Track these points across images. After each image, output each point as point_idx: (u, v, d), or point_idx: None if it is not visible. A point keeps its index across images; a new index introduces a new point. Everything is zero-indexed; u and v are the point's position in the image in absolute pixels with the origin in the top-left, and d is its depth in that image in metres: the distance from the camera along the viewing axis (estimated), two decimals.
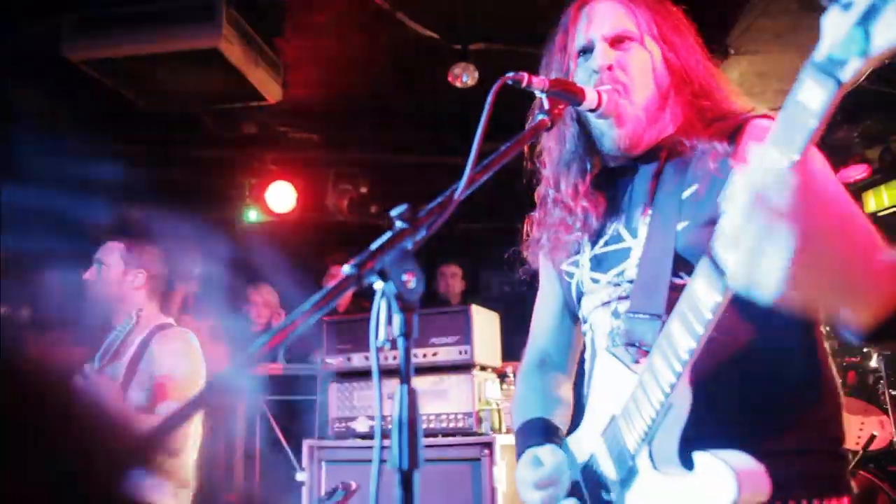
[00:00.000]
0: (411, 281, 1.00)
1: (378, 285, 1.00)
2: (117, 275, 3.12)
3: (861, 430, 4.88)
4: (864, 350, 4.97)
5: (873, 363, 4.91)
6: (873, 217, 6.70)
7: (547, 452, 1.60)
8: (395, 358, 1.00)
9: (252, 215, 7.03)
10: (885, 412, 4.83)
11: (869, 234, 1.16)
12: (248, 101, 5.17)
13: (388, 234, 1.02)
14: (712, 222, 1.41)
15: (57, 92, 5.12)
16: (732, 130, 1.52)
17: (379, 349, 1.00)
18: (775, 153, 0.96)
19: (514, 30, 4.72)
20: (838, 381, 1.53)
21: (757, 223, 0.95)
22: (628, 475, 1.41)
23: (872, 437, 4.78)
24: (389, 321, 1.00)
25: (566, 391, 1.86)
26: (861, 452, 4.71)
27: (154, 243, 3.21)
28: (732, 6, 4.50)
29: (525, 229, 1.86)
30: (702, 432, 1.31)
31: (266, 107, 5.32)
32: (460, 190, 1.13)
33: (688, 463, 1.29)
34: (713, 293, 1.12)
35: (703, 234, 1.43)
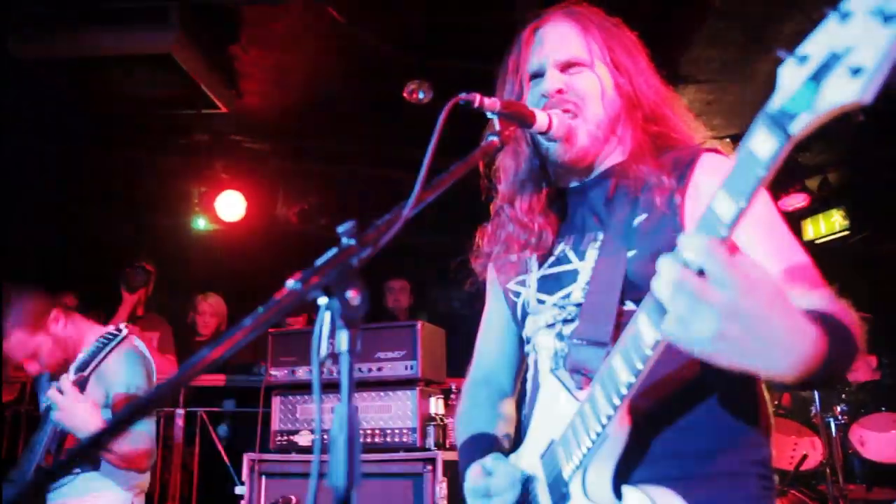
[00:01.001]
0: (355, 298, 1.00)
1: (322, 301, 1.00)
2: (32, 338, 2.97)
3: (794, 450, 5.03)
4: None
5: None
6: (811, 244, 6.94)
7: (497, 463, 1.59)
8: (339, 372, 0.99)
9: (201, 223, 6.91)
10: (817, 434, 4.98)
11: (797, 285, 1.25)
12: (201, 109, 5.11)
13: (333, 251, 1.02)
14: (660, 254, 1.45)
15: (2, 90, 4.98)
16: (684, 164, 1.53)
17: (321, 364, 1.00)
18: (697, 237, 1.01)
19: (471, 47, 4.77)
20: (769, 405, 1.55)
21: (684, 298, 1.01)
22: (560, 500, 1.42)
23: (804, 458, 4.93)
24: (332, 336, 1.00)
25: (510, 408, 1.86)
26: (794, 472, 4.85)
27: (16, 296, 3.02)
28: (681, 35, 4.62)
29: (476, 240, 1.86)
30: (635, 457, 1.33)
31: (218, 115, 5.26)
32: (408, 208, 1.13)
33: (619, 493, 1.31)
34: (654, 331, 1.13)
35: (651, 265, 1.45)
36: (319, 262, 1.00)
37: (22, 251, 6.15)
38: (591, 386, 1.34)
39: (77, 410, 2.66)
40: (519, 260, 1.72)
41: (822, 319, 1.14)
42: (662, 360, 1.18)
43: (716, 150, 1.58)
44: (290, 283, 0.97)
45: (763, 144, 0.93)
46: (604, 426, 1.28)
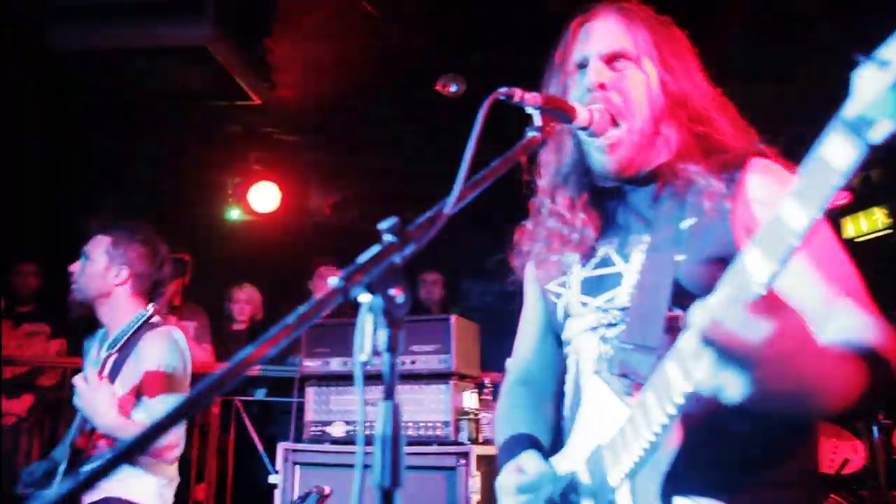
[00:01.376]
0: (398, 296, 0.99)
1: (364, 298, 0.99)
2: (100, 269, 3.08)
3: (834, 454, 4.94)
4: None
5: None
6: (850, 242, 6.79)
7: (531, 460, 1.57)
8: (381, 365, 0.99)
9: (234, 214, 6.99)
10: (858, 437, 4.89)
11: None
12: (234, 101, 5.14)
13: (376, 248, 1.01)
14: (709, 260, 1.43)
15: (38, 84, 5.06)
16: (733, 168, 1.50)
17: (363, 364, 0.99)
18: (761, 259, 1.00)
19: (504, 41, 4.74)
20: (819, 442, 1.54)
21: (715, 350, 1.02)
22: None
23: (846, 462, 4.84)
24: (374, 335, 0.99)
25: (550, 410, 1.83)
26: (835, 476, 4.77)
27: (142, 241, 3.16)
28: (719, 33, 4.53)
29: (515, 239, 1.83)
30: (683, 466, 1.30)
31: (252, 106, 5.29)
32: (450, 205, 1.12)
33: (667, 502, 1.29)
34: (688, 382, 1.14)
35: (701, 269, 1.43)
36: (362, 259, 0.99)
37: (59, 241, 6.26)
38: (642, 392, 1.31)
39: (96, 400, 2.70)
40: (560, 260, 1.69)
41: (862, 356, 1.18)
42: None
43: (765, 155, 1.54)
44: (333, 280, 0.97)
45: (839, 152, 0.89)
46: (657, 435, 1.25)
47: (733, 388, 1.03)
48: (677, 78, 1.59)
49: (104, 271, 3.08)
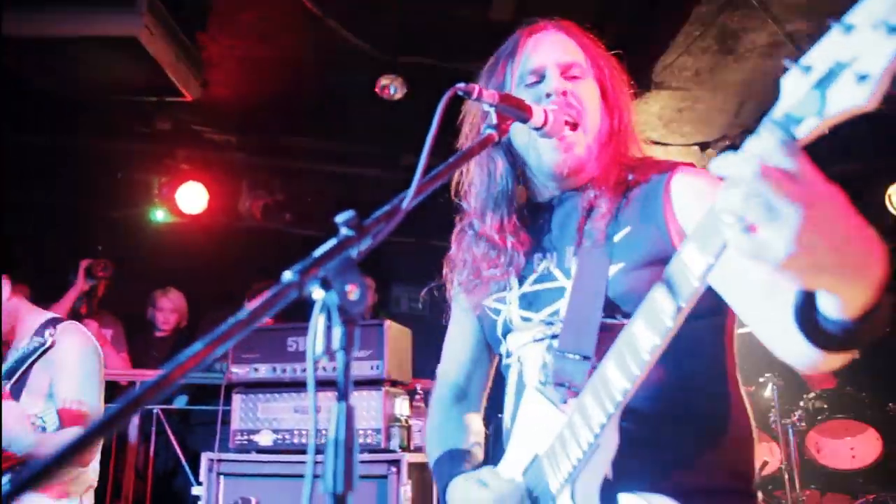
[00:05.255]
0: (354, 292, 0.95)
1: (318, 294, 0.94)
2: None
3: None
4: (760, 380, 5.21)
5: (767, 392, 5.16)
6: None
7: (489, 475, 1.57)
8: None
9: (160, 215, 6.73)
10: (776, 440, 5.07)
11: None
12: (165, 96, 4.98)
13: (332, 241, 0.97)
14: (646, 264, 1.47)
15: None
16: (662, 177, 1.56)
17: (315, 362, 0.94)
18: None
19: (445, 44, 4.73)
20: (752, 422, 1.57)
21: (762, 195, 0.90)
22: None
23: (765, 464, 5.01)
24: (327, 332, 0.94)
25: (479, 424, 1.88)
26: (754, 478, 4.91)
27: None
28: (657, 42, 4.65)
29: (444, 269, 1.85)
30: (620, 473, 1.34)
31: (183, 103, 5.13)
32: (408, 200, 1.09)
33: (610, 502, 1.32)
34: (653, 335, 1.16)
35: (638, 276, 1.48)
36: (317, 252, 0.94)
37: None
38: (579, 397, 1.35)
39: (7, 424, 2.57)
40: (492, 277, 1.71)
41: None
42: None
43: (690, 164, 1.62)
44: (288, 273, 0.91)
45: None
46: (596, 435, 1.29)
47: (778, 242, 0.90)
48: (616, 97, 1.69)
49: None
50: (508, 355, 1.72)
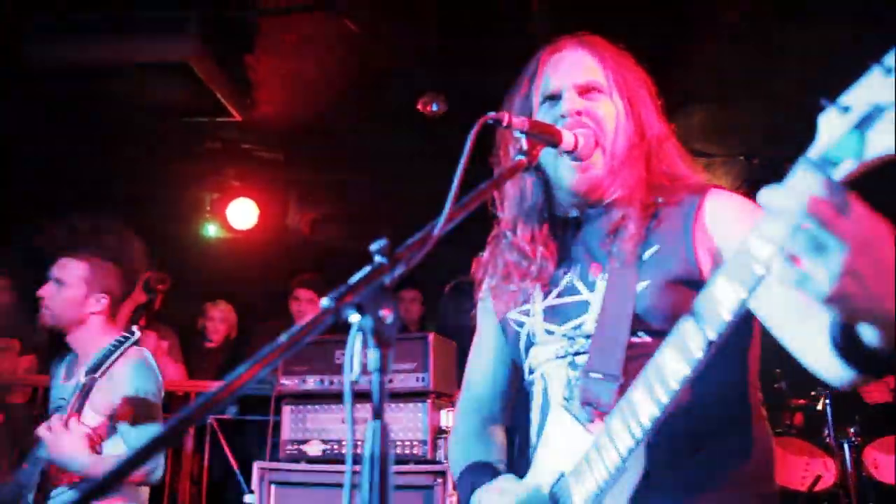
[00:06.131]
0: (388, 316, 1.01)
1: (354, 319, 1.00)
2: (78, 298, 2.96)
3: (806, 470, 4.98)
4: (812, 393, 5.10)
5: (820, 406, 5.04)
6: None
7: (511, 483, 1.60)
8: (356, 383, 1.00)
9: (212, 230, 6.93)
10: (830, 454, 4.94)
11: None
12: (215, 117, 5.13)
13: (366, 269, 1.02)
14: (674, 283, 1.48)
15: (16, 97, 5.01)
16: (693, 198, 1.56)
17: (353, 383, 1.00)
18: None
19: (484, 60, 4.78)
20: (772, 443, 1.58)
21: (809, 231, 0.91)
22: None
23: (818, 478, 4.88)
24: (363, 354, 1.00)
25: (502, 437, 1.88)
26: (807, 492, 4.81)
27: (117, 262, 3.05)
28: (699, 52, 4.62)
29: (472, 270, 1.87)
30: (647, 492, 1.34)
31: (232, 122, 5.29)
32: (439, 226, 1.14)
33: None
34: (682, 366, 1.16)
35: (663, 293, 1.49)
36: (352, 280, 1.00)
37: (33, 258, 6.17)
38: (606, 419, 1.36)
39: (65, 446, 2.63)
40: (519, 289, 1.72)
41: None
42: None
43: (722, 187, 1.62)
44: (324, 300, 0.97)
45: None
46: (623, 459, 1.29)
47: (823, 277, 0.91)
48: (640, 113, 1.66)
49: (82, 300, 2.97)
50: (531, 371, 1.73)
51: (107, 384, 2.81)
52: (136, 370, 2.91)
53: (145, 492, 3.00)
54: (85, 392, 2.72)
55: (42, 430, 2.67)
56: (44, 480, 2.77)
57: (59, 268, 3.01)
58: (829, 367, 1.18)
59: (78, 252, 3.03)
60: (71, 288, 2.97)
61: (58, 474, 2.77)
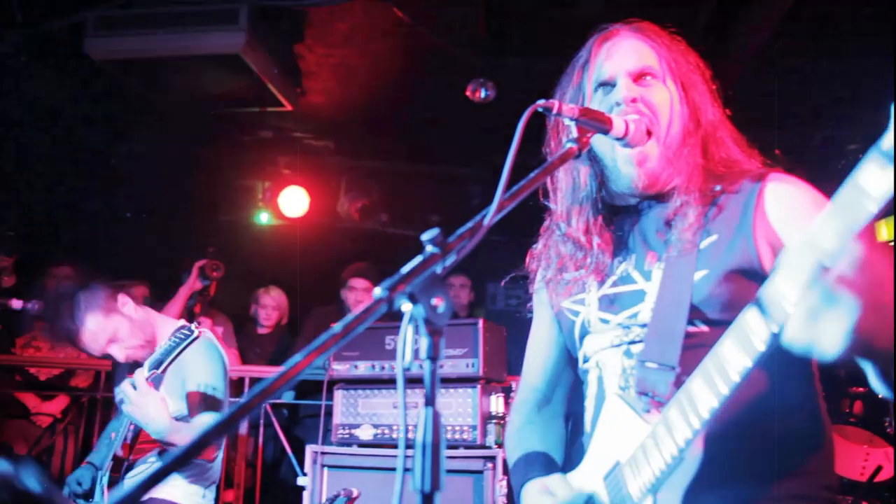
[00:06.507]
0: (440, 305, 1.02)
1: (407, 308, 1.02)
2: (111, 331, 3.01)
3: (866, 460, 4.85)
4: None
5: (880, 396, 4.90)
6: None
7: (561, 484, 1.58)
8: (408, 370, 1.01)
9: (264, 218, 7.07)
10: (891, 444, 4.81)
11: None
12: (266, 107, 5.21)
13: (418, 258, 1.04)
14: (732, 272, 1.46)
15: (78, 89, 5.17)
16: (752, 186, 1.53)
17: (405, 370, 1.01)
18: (831, 231, 0.95)
19: (534, 45, 4.75)
20: (831, 432, 1.55)
21: (820, 290, 0.94)
22: None
23: (879, 469, 4.75)
24: (415, 342, 1.02)
25: (561, 429, 1.87)
26: (867, 483, 4.69)
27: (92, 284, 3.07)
28: (756, 32, 4.50)
29: (527, 261, 1.86)
30: (705, 482, 1.33)
31: (283, 112, 5.36)
32: (490, 216, 1.15)
33: None
34: (744, 357, 1.14)
35: (721, 282, 1.46)
36: (405, 269, 1.02)
37: (89, 245, 6.38)
38: (664, 410, 1.35)
39: (148, 406, 2.67)
40: (574, 279, 1.71)
41: None
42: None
43: (782, 172, 1.58)
44: (378, 290, 0.99)
45: (876, 181, 0.91)
46: (681, 450, 1.28)
47: (832, 338, 0.95)
48: (695, 98, 1.63)
49: (114, 329, 3.01)
50: (586, 360, 1.72)
51: (174, 374, 2.89)
52: (204, 359, 3.00)
53: (216, 471, 3.08)
54: (154, 381, 2.79)
55: (125, 386, 2.71)
56: (116, 462, 2.87)
57: (84, 337, 3.04)
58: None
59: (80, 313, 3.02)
60: (96, 321, 3.00)
61: (128, 454, 2.86)
